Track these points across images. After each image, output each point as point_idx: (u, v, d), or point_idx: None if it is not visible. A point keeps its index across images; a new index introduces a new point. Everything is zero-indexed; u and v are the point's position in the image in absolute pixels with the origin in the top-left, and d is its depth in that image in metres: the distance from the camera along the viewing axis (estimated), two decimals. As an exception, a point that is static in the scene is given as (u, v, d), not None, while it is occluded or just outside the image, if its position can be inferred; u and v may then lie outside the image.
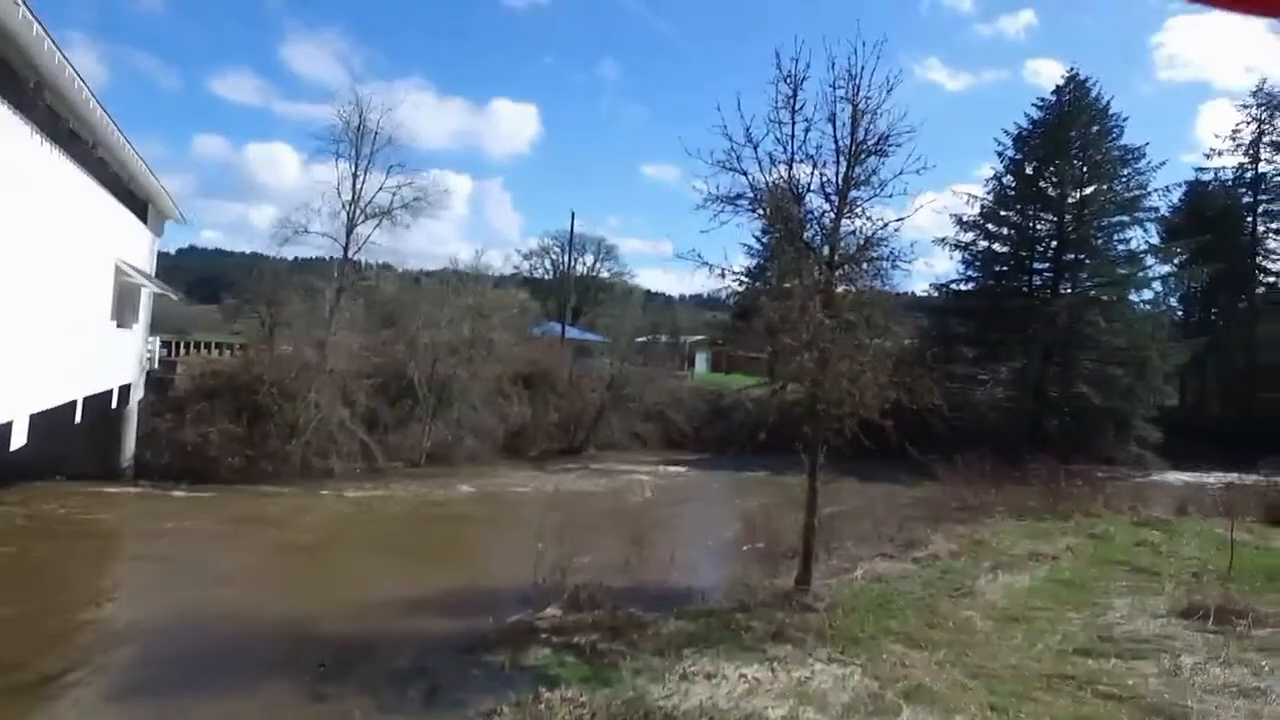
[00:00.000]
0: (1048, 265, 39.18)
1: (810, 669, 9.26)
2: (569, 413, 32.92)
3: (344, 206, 25.13)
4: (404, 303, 29.03)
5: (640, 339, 39.96)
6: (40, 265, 12.27)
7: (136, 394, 21.28)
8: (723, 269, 13.54)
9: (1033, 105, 39.78)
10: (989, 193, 40.07)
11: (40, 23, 9.72)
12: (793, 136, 12.30)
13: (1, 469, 17.62)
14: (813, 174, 12.52)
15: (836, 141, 12.32)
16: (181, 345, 26.33)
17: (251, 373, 24.25)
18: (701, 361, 55.08)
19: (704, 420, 35.50)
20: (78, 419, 14.89)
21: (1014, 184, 39.86)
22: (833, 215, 12.79)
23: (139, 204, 19.48)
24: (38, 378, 12.25)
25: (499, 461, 28.45)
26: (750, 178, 12.57)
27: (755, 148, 12.28)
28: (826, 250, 13.02)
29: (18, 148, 10.83)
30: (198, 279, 68.39)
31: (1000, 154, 39.95)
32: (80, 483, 20.09)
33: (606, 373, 34.83)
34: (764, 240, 49.75)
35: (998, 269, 40.18)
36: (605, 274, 66.69)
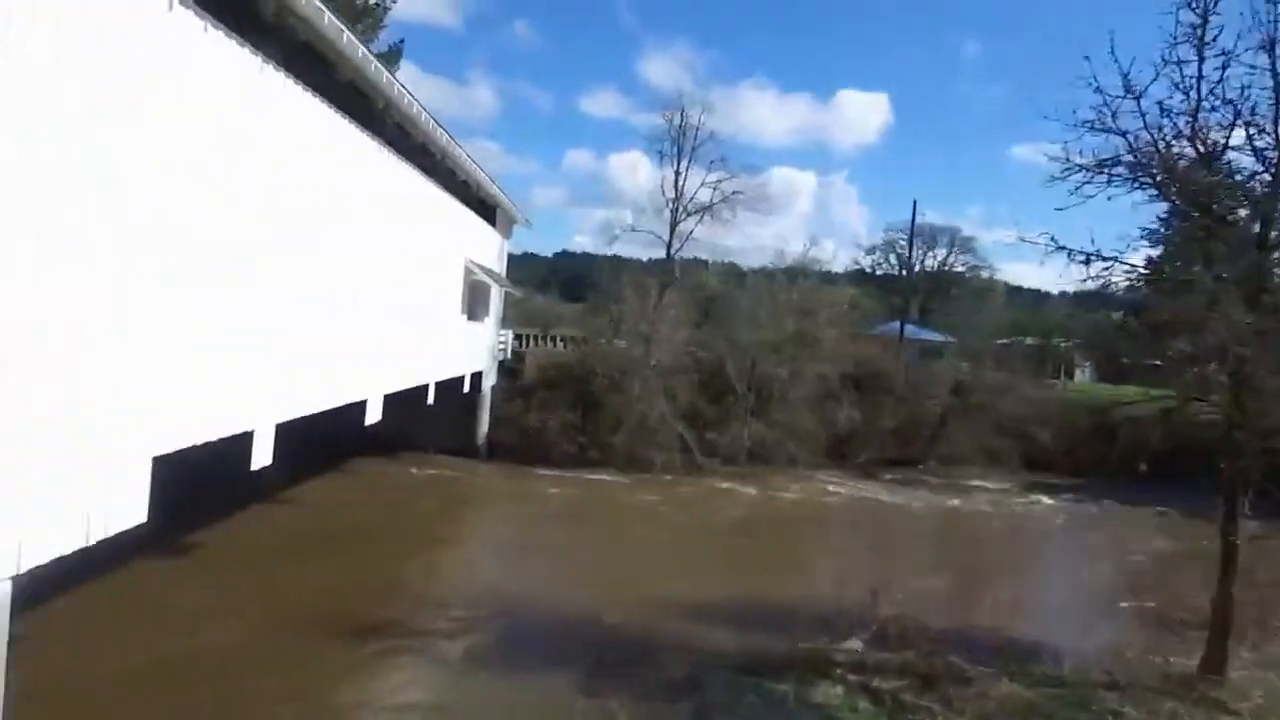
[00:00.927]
0: None
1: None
2: (906, 419, 29.59)
3: (667, 204, 25.50)
4: (726, 298, 28.68)
5: (1000, 341, 34.60)
6: (395, 263, 13.91)
7: (489, 380, 23.95)
8: (1086, 255, 10.16)
9: None
10: None
11: (377, 62, 10.97)
12: (1199, 78, 9.14)
13: (381, 440, 21.13)
14: (1232, 125, 8.97)
15: (1276, 76, 8.60)
16: (532, 338, 29.20)
17: (586, 366, 25.86)
18: (1084, 369, 46.17)
19: (1080, 439, 29.19)
20: (430, 400, 16.85)
21: None
22: (1269, 177, 9.09)
23: (488, 210, 21.81)
24: (391, 364, 13.89)
25: (822, 467, 26.56)
26: (1130, 138, 9.45)
27: (1138, 99, 9.25)
28: (1257, 227, 9.25)
29: (367, 158, 12.30)
30: (568, 279, 77.24)
31: None
32: (444, 456, 23.23)
33: (953, 377, 30.62)
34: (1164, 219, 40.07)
35: None
36: (960, 268, 60.01)
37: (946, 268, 59.99)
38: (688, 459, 24.65)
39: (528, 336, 29.64)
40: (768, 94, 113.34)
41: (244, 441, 9.12)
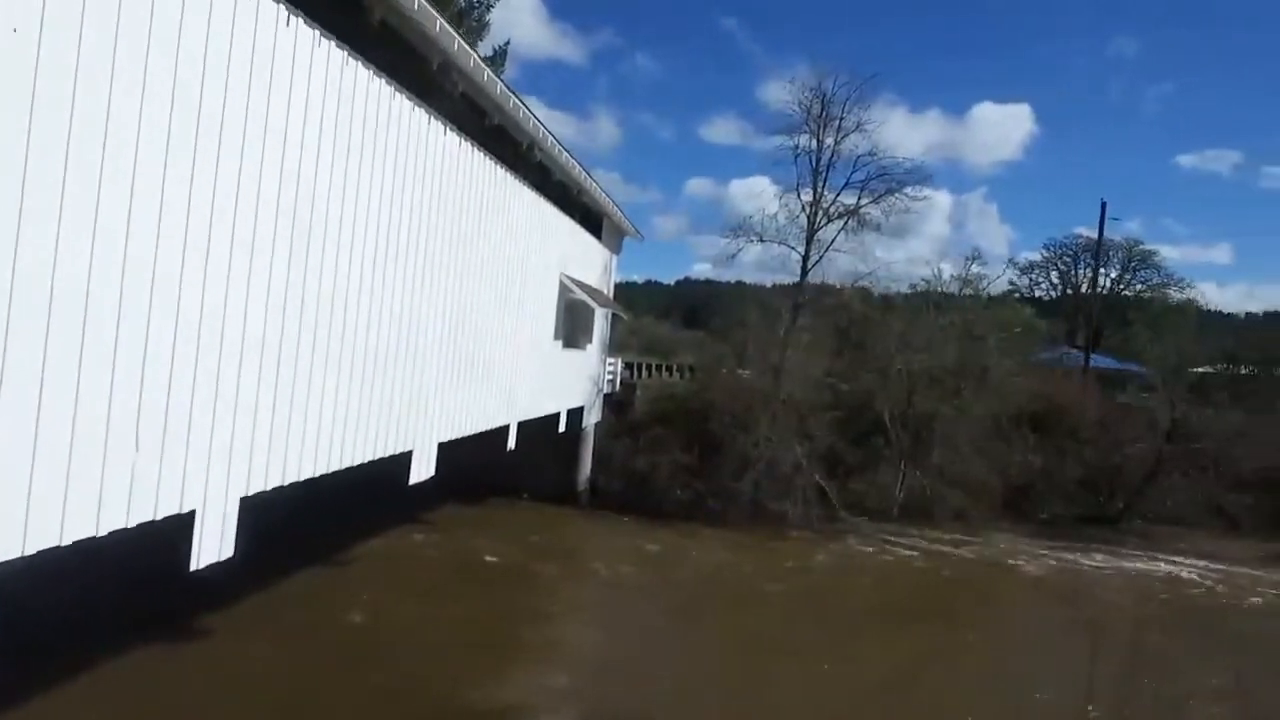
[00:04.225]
0: None
1: None
2: (1099, 466, 24.02)
3: (804, 208, 21.52)
4: (873, 323, 24.23)
5: (1198, 369, 28.09)
6: (454, 279, 10.99)
7: (591, 417, 20.79)
8: None
9: None
10: None
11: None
12: None
13: (466, 483, 18.23)
14: None
15: None
16: (646, 368, 25.89)
17: (704, 398, 22.26)
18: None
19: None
20: (510, 444, 13.79)
21: None
22: None
23: (592, 220, 18.78)
24: (441, 407, 10.88)
25: (996, 524, 21.58)
26: None
27: None
28: None
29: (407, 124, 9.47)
30: (689, 307, 74.56)
31: None
32: (539, 504, 20.16)
33: (1157, 415, 24.66)
34: None
35: None
36: (1138, 285, 51.99)
37: (1121, 287, 52.36)
38: (827, 513, 20.46)
39: (640, 366, 26.36)
40: (897, 112, 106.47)
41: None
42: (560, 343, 16.49)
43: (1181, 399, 24.56)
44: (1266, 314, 57.28)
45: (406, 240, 9.27)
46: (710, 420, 21.37)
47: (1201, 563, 19.66)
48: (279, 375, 7.00)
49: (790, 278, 22.83)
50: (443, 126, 9.95)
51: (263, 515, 7.14)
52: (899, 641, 13.22)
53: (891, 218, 21.90)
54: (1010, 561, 19.08)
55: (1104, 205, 33.79)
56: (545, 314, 15.31)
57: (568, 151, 14.26)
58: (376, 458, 8.97)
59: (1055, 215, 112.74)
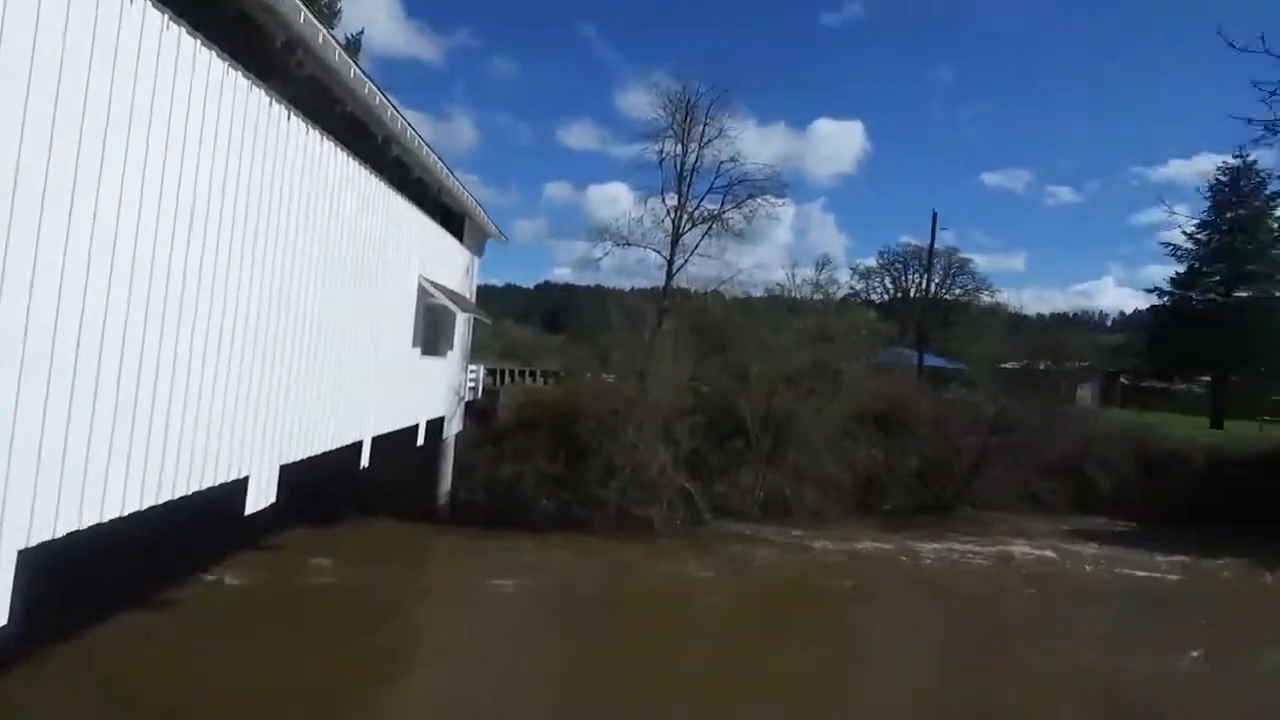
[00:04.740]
0: None
1: None
2: (933, 460, 25.87)
3: (669, 212, 21.57)
4: (733, 326, 24.79)
5: (1004, 365, 31.22)
6: (301, 277, 9.86)
7: (452, 427, 19.76)
8: None
9: None
10: None
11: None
12: None
13: (322, 505, 16.85)
14: None
15: None
16: (508, 374, 25.02)
17: (570, 405, 21.78)
18: (1085, 396, 42.97)
19: (1130, 477, 25.87)
20: (364, 462, 12.67)
21: None
22: None
23: (453, 220, 17.81)
24: (285, 426, 9.75)
25: (848, 519, 22.67)
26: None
27: None
28: None
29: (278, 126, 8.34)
30: (550, 310, 73.79)
31: None
32: (397, 522, 18.90)
33: (979, 410, 27.01)
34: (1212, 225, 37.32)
35: None
36: (958, 290, 57.20)
37: (944, 291, 57.31)
38: (692, 516, 20.64)
39: (503, 372, 25.42)
40: (748, 124, 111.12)
41: None
42: (419, 350, 15.43)
43: (998, 394, 27.09)
44: (1053, 315, 65.04)
45: (242, 238, 8.14)
46: (576, 426, 20.93)
47: (1024, 541, 21.63)
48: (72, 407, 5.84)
49: (651, 282, 22.93)
50: (287, 111, 8.87)
51: (67, 562, 5.94)
52: (776, 635, 13.44)
53: (753, 223, 22.51)
54: (852, 549, 20.01)
55: (935, 216, 36.49)
56: (403, 320, 14.24)
57: (429, 146, 13.32)
58: (204, 488, 7.80)
59: (886, 224, 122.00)
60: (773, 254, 64.39)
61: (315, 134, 9.69)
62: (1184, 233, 38.71)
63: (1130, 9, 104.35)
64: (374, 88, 10.62)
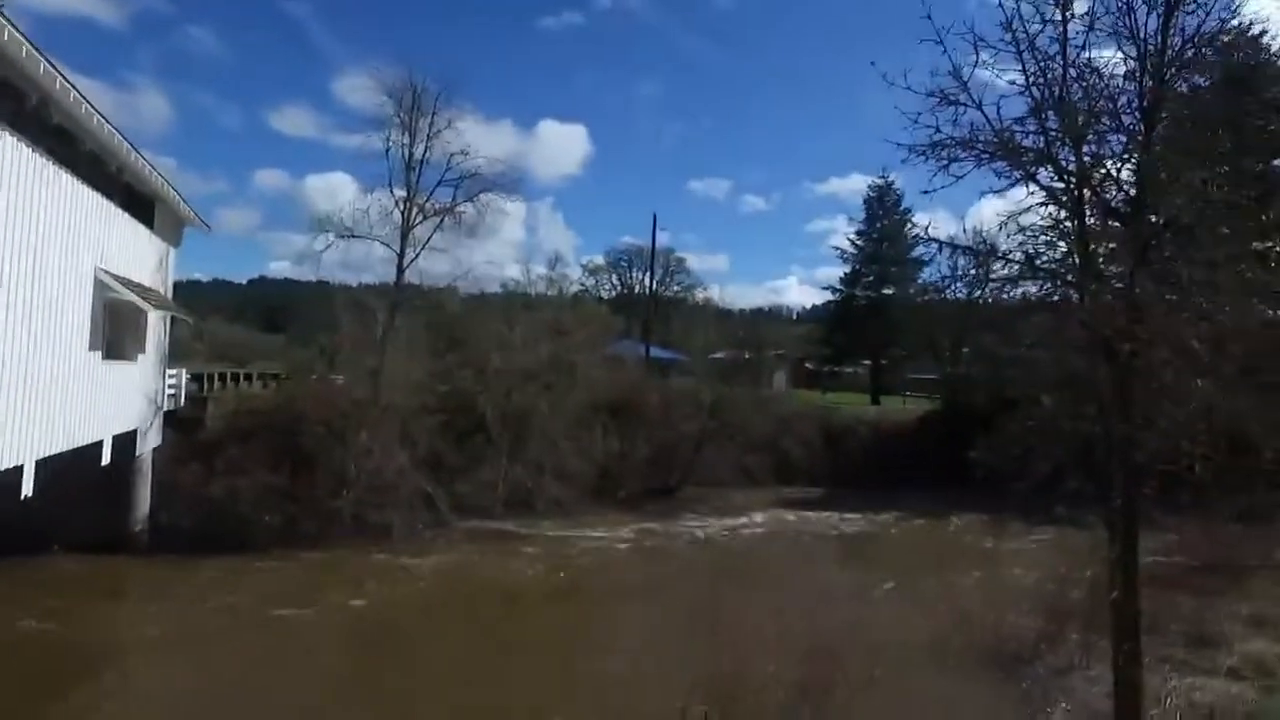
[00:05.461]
0: None
1: None
2: (661, 445, 27.98)
3: (398, 204, 20.77)
4: (470, 322, 24.58)
5: (714, 355, 34.99)
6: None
7: (149, 441, 17.23)
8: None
9: None
10: None
11: None
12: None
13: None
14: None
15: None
16: (215, 378, 22.30)
17: (293, 410, 20.07)
18: (779, 380, 49.55)
19: (815, 450, 30.30)
20: (26, 490, 10.60)
21: None
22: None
23: (141, 204, 15.48)
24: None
25: (588, 508, 23.66)
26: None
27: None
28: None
29: None
30: (268, 308, 66.64)
31: None
32: (80, 555, 16.02)
33: (698, 397, 29.79)
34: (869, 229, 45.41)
35: None
36: (675, 287, 62.18)
37: (664, 288, 62.02)
38: (435, 518, 20.17)
39: (213, 376, 22.57)
40: (474, 120, 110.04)
41: None
42: (99, 354, 13.23)
43: (714, 381, 30.13)
44: (753, 310, 73.74)
45: None
46: (301, 433, 19.36)
47: (734, 512, 24.33)
48: None
49: (379, 277, 21.95)
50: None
51: None
52: (493, 626, 13.69)
53: (485, 218, 22.43)
54: (592, 538, 21.04)
55: (655, 218, 39.88)
56: (76, 319, 12.10)
57: (102, 116, 11.44)
58: None
59: (611, 224, 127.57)
60: (504, 250, 64.71)
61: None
62: (848, 239, 46.01)
63: (807, 40, 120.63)
64: (15, 33, 8.85)
